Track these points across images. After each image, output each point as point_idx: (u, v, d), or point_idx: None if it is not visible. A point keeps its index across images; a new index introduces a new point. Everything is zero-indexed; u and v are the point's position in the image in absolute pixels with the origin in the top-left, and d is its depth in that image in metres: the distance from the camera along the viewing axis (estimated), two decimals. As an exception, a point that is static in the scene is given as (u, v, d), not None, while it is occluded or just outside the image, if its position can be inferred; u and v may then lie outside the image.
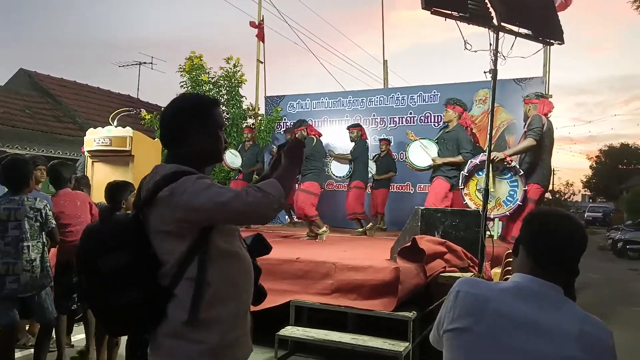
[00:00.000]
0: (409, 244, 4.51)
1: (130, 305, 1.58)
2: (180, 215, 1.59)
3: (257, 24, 10.76)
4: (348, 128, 7.89)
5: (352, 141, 7.78)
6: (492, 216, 5.35)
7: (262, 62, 10.89)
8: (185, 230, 1.61)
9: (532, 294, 1.35)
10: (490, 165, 4.98)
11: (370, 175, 8.53)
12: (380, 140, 8.95)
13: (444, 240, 4.58)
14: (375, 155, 8.92)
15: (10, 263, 3.49)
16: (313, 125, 9.96)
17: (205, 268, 1.61)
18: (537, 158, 5.19)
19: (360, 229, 7.74)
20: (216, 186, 1.63)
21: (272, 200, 1.62)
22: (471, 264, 4.50)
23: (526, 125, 5.26)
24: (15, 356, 3.80)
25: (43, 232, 3.69)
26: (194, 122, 1.75)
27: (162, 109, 1.85)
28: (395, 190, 9.04)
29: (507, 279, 4.26)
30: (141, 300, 1.58)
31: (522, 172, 5.04)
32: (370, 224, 7.94)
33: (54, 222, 3.74)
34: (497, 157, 4.95)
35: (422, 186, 8.71)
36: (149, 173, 1.80)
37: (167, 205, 1.59)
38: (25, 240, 3.53)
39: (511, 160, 5.10)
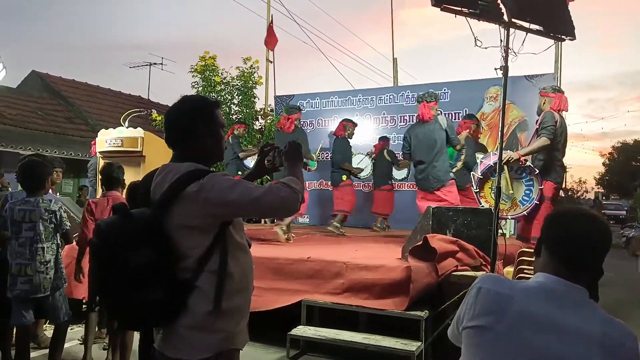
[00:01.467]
0: (420, 242, 4.48)
1: (156, 301, 1.63)
2: (210, 210, 1.68)
3: (267, 32, 10.77)
4: (350, 122, 7.87)
5: (349, 137, 7.78)
6: (509, 217, 5.29)
7: (271, 62, 10.91)
8: (210, 225, 1.70)
9: (556, 295, 1.32)
10: (506, 166, 4.93)
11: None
12: (379, 141, 8.85)
13: (455, 239, 4.55)
14: (374, 153, 8.89)
15: (23, 264, 3.51)
16: (321, 125, 10.01)
17: (226, 260, 1.71)
18: (549, 155, 5.11)
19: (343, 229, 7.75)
20: (244, 182, 1.74)
21: (299, 196, 1.76)
22: (483, 263, 4.47)
23: (538, 123, 5.16)
24: (31, 356, 3.84)
25: (58, 234, 3.71)
26: (199, 123, 1.83)
27: (170, 108, 1.90)
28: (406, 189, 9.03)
29: (520, 277, 4.23)
30: (166, 294, 1.64)
31: (537, 172, 4.96)
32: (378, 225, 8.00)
33: (68, 223, 3.75)
34: (512, 158, 4.87)
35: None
36: (154, 171, 1.85)
37: (195, 201, 1.66)
38: (40, 242, 3.55)
39: (525, 160, 5.02)
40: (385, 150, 8.59)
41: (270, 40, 10.81)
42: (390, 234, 7.96)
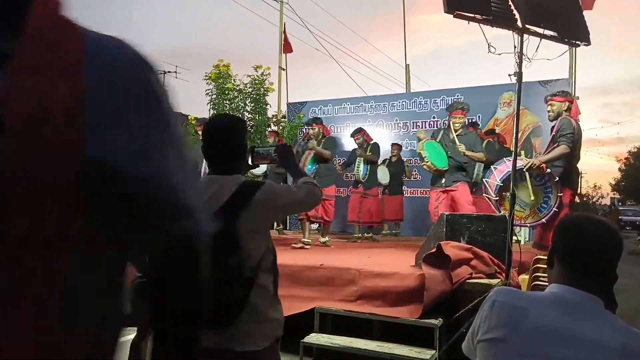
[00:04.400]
0: (434, 250, 4.45)
1: (241, 298, 1.81)
2: (276, 213, 2.07)
3: (283, 38, 10.86)
4: (352, 135, 7.83)
5: (360, 147, 7.71)
6: (528, 224, 5.22)
7: (284, 69, 10.96)
8: (268, 227, 2.02)
9: (572, 305, 1.30)
10: (527, 173, 4.87)
11: (387, 181, 8.54)
12: (393, 144, 8.90)
13: (469, 246, 4.51)
14: (386, 160, 8.90)
15: None
16: (334, 131, 10.02)
17: (276, 258, 1.99)
18: (568, 163, 5.05)
19: (359, 234, 7.69)
20: (286, 185, 2.12)
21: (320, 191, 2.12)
22: (498, 271, 4.42)
23: (556, 130, 5.07)
24: None
25: None
26: (245, 139, 2.07)
27: (215, 123, 2.14)
28: (419, 195, 9.01)
29: (535, 285, 4.18)
30: (247, 292, 1.83)
31: (557, 179, 4.89)
32: (384, 231, 7.98)
33: None
34: (534, 164, 4.80)
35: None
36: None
37: (265, 207, 1.89)
38: None
39: (546, 167, 4.95)
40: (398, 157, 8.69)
41: (286, 46, 10.90)
42: (400, 240, 7.94)
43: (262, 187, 1.90)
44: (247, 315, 1.83)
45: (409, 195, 9.15)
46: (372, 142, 7.69)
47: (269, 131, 9.73)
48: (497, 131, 8.49)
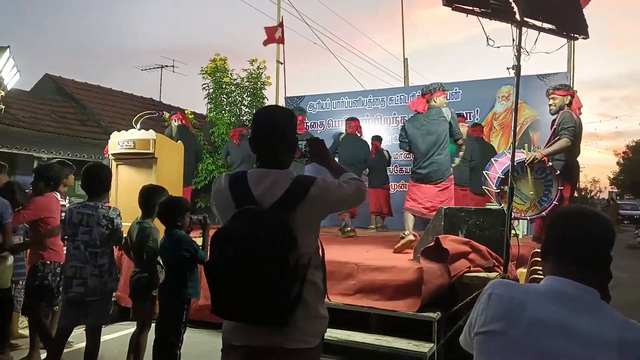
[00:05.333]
0: (432, 243, 4.46)
1: (296, 295, 1.76)
2: (330, 209, 1.99)
3: (276, 26, 10.70)
4: (346, 120, 8.09)
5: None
6: (528, 217, 5.21)
7: (282, 63, 10.91)
8: (319, 223, 1.97)
9: (568, 298, 1.30)
10: (529, 167, 4.87)
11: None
12: (373, 137, 8.96)
13: (468, 239, 4.52)
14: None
15: (78, 267, 3.48)
16: (332, 125, 9.99)
17: (324, 255, 1.98)
18: (567, 156, 5.04)
19: (348, 229, 7.67)
20: (336, 181, 2.01)
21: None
22: (496, 264, 4.43)
23: (557, 123, 5.05)
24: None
25: (112, 239, 3.64)
26: (296, 133, 2.02)
27: (265, 116, 2.01)
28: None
29: (533, 279, 4.19)
30: (301, 288, 1.78)
31: (558, 172, 4.89)
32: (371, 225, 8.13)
33: (122, 231, 3.69)
34: (537, 158, 4.79)
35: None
36: (238, 178, 1.92)
37: (318, 202, 1.87)
38: (95, 246, 3.51)
39: (549, 160, 4.95)
40: (384, 150, 8.73)
41: (270, 38, 10.64)
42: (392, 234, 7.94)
43: (316, 183, 1.87)
44: (301, 313, 1.79)
45: (404, 189, 9.18)
46: (356, 135, 7.86)
47: (242, 124, 9.57)
48: (496, 125, 8.50)
